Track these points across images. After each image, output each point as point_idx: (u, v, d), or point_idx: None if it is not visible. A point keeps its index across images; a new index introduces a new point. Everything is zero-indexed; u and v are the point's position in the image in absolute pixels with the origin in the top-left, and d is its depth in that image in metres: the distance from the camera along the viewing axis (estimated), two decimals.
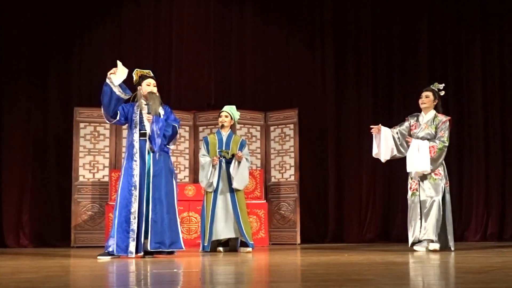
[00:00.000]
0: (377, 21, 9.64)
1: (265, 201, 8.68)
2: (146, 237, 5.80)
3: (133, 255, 5.69)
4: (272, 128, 9.19)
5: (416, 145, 6.43)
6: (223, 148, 6.93)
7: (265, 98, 9.52)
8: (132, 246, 5.70)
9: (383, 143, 6.62)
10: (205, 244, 6.78)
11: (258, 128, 9.17)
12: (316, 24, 9.69)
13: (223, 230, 6.75)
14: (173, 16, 9.53)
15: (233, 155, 6.91)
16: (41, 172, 8.80)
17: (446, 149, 6.48)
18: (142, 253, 5.78)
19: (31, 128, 8.81)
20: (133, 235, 5.71)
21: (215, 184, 6.82)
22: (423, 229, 6.37)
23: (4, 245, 8.42)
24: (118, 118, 5.91)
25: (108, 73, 5.76)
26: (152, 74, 6.19)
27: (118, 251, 5.72)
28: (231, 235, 6.81)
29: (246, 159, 6.97)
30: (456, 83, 9.42)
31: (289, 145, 9.06)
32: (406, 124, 6.71)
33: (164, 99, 9.31)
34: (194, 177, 9.05)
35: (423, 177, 6.46)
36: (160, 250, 5.85)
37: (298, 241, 8.80)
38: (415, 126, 6.63)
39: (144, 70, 6.23)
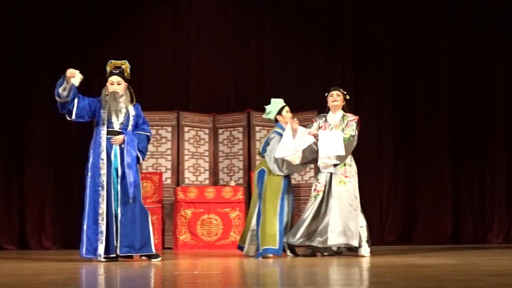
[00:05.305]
0: (397, 34, 9.53)
1: None
2: (117, 240, 5.62)
3: (102, 258, 5.52)
4: None
5: (326, 133, 6.28)
6: None
7: (284, 101, 9.49)
8: (101, 249, 5.53)
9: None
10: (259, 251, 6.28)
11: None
12: (335, 29, 9.61)
13: None
14: (192, 20, 9.55)
15: None
16: (63, 174, 8.86)
17: (354, 143, 6.33)
18: (115, 255, 5.60)
19: (53, 132, 8.84)
20: (102, 237, 5.54)
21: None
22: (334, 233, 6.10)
23: (27, 247, 8.50)
24: (73, 116, 5.79)
25: (69, 73, 5.67)
26: (127, 65, 5.95)
27: (87, 253, 5.56)
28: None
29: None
30: (478, 88, 9.31)
31: None
32: (315, 125, 6.53)
33: (184, 102, 9.44)
34: (214, 179, 9.08)
35: (332, 180, 6.24)
36: (130, 254, 5.65)
37: None
38: (324, 127, 6.46)
39: (118, 61, 5.97)
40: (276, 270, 4.62)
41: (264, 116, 6.76)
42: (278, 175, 6.33)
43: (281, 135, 6.37)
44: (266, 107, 6.67)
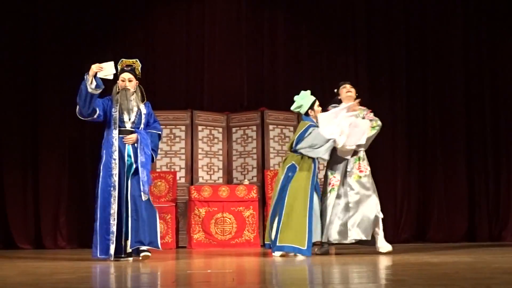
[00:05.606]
0: (411, 32, 9.51)
1: None
2: (126, 238, 5.62)
3: (112, 258, 5.53)
4: None
5: (357, 121, 6.19)
6: None
7: None
8: (111, 249, 5.54)
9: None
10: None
11: (291, 128, 9.17)
12: (348, 28, 9.59)
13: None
14: (205, 18, 9.58)
15: None
16: (78, 174, 8.91)
17: (378, 132, 6.34)
18: (124, 255, 5.61)
19: (67, 131, 8.90)
20: (113, 238, 5.54)
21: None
22: (351, 228, 6.11)
23: (43, 246, 8.56)
24: (96, 116, 5.71)
25: (94, 68, 5.58)
26: (138, 64, 5.94)
27: (100, 253, 5.57)
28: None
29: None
30: (493, 85, 9.25)
31: None
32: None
33: (198, 101, 9.47)
34: (227, 178, 9.09)
35: (345, 175, 6.23)
36: (138, 247, 5.58)
37: None
38: None
39: (129, 60, 5.96)
40: (290, 269, 4.62)
41: (293, 108, 6.44)
42: (307, 171, 6.08)
43: (317, 127, 6.18)
44: (295, 98, 6.41)
